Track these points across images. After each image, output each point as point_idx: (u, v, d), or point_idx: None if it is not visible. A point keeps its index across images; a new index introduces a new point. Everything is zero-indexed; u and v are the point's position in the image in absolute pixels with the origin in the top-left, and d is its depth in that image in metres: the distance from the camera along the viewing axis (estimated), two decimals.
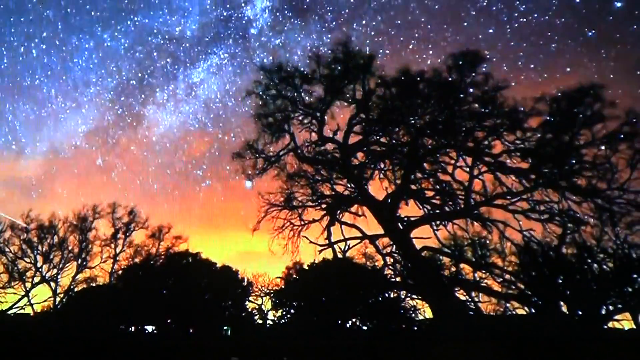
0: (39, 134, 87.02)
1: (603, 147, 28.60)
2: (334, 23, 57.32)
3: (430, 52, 56.73)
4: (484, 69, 31.87)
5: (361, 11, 65.42)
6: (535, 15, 53.93)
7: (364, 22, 60.90)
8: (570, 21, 52.01)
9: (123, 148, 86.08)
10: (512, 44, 54.77)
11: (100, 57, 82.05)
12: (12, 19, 78.40)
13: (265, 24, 72.24)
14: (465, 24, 57.90)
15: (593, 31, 49.18)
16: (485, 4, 57.66)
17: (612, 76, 46.00)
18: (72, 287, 39.71)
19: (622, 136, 27.90)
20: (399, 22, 62.55)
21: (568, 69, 48.42)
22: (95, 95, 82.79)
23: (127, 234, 42.44)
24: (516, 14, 54.98)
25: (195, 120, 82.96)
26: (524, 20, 54.58)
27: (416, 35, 61.52)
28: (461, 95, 32.63)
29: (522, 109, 30.65)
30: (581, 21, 51.49)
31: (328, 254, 35.85)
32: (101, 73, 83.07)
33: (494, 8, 57.01)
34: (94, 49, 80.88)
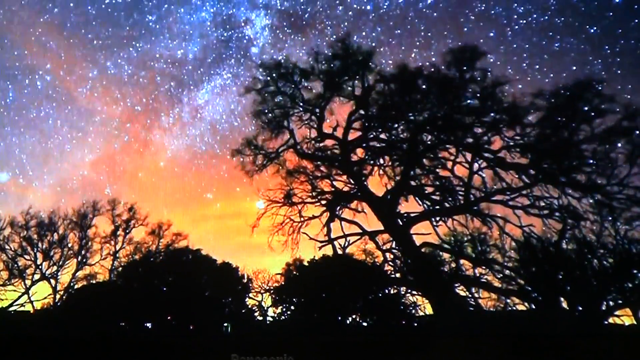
0: (46, 166, 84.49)
1: (602, 143, 28.59)
2: (334, 37, 57.47)
3: (433, 59, 56.71)
4: (487, 66, 31.98)
5: (360, 23, 64.76)
6: (535, 15, 53.75)
7: (363, 33, 60.64)
8: (571, 20, 51.90)
9: (131, 175, 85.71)
10: (515, 46, 54.62)
11: (104, 85, 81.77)
12: (16, 53, 78.24)
13: (266, 42, 72.05)
14: (465, 29, 57.79)
15: (595, 28, 48.97)
16: (483, 8, 57.50)
17: (619, 72, 45.82)
18: (72, 284, 39.74)
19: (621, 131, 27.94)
20: (398, 31, 62.37)
21: (574, 68, 48.20)
22: (100, 123, 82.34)
23: (127, 231, 42.49)
24: (515, 16, 54.84)
25: (202, 143, 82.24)
26: (524, 22, 54.43)
27: (417, 43, 61.54)
28: (460, 91, 32.59)
29: (521, 104, 30.67)
30: (582, 19, 51.30)
31: (328, 250, 36.06)
32: (106, 101, 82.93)
33: (493, 12, 56.94)
34: (98, 78, 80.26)
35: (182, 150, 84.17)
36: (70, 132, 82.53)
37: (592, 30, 49.51)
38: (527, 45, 54.15)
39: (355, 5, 63.03)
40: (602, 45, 48.63)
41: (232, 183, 76.63)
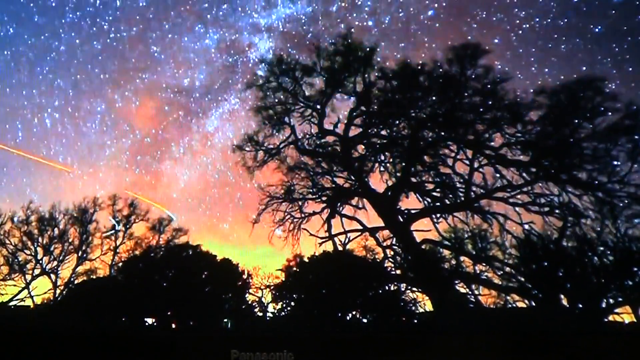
0: (57, 204, 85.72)
1: (603, 141, 28.50)
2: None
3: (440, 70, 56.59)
4: (490, 67, 31.83)
5: (364, 38, 64.78)
6: (537, 19, 53.35)
7: (368, 49, 60.91)
8: (574, 20, 51.50)
9: (143, 209, 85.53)
10: (521, 50, 54.13)
11: (113, 118, 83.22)
12: (24, 92, 78.94)
13: (270, 64, 72.30)
14: (469, 37, 57.40)
15: (599, 27, 48.65)
16: (484, 15, 57.14)
17: (630, 69, 45.50)
18: (72, 279, 39.76)
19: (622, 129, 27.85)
20: (402, 44, 62.01)
21: (584, 68, 47.77)
22: (111, 157, 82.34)
23: (128, 226, 42.51)
24: (517, 21, 54.36)
25: (214, 171, 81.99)
26: (527, 25, 53.96)
27: (422, 55, 61.10)
28: (462, 88, 32.50)
29: (523, 102, 30.59)
30: (584, 19, 50.95)
31: (328, 246, 36.05)
32: (115, 134, 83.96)
33: (494, 18, 56.52)
34: (106, 112, 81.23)
35: (194, 180, 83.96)
36: (81, 168, 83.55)
37: (596, 30, 49.12)
38: (532, 49, 53.77)
39: (357, 22, 62.59)
40: (610, 43, 48.22)
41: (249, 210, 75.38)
